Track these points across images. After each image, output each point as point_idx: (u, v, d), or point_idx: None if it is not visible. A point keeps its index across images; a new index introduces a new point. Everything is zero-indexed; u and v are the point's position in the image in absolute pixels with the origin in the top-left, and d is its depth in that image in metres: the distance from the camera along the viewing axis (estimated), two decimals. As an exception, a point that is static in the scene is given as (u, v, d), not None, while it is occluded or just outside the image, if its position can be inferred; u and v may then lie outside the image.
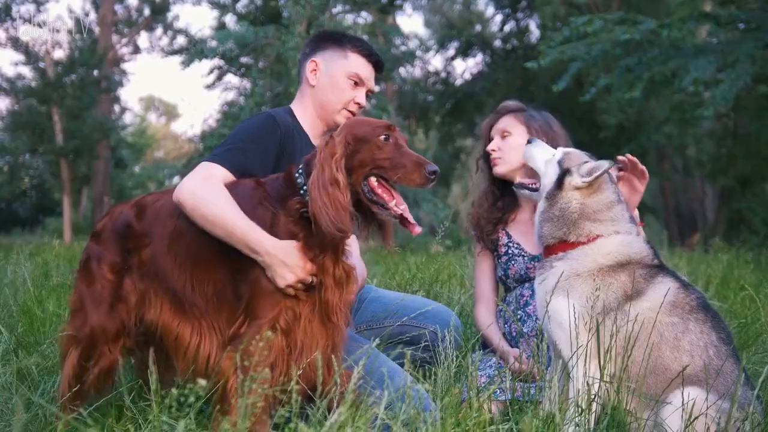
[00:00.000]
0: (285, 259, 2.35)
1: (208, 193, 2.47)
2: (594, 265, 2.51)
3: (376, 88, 3.18)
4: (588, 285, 2.47)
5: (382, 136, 2.43)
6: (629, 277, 2.47)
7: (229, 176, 2.60)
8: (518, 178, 3.00)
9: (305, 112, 3.13)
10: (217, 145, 2.84)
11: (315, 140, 3.09)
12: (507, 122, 3.44)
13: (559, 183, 2.65)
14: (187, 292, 2.49)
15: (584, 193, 2.61)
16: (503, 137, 3.41)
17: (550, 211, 2.64)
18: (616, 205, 2.63)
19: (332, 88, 3.07)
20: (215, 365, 2.41)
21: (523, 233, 3.43)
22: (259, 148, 2.78)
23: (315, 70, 3.11)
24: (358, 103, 3.10)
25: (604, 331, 2.40)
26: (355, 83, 3.08)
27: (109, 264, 2.58)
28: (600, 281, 2.47)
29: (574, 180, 2.62)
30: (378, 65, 3.17)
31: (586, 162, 2.66)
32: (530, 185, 2.89)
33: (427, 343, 3.25)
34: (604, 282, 2.47)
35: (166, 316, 2.52)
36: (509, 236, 3.44)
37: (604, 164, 2.59)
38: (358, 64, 3.09)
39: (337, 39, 3.13)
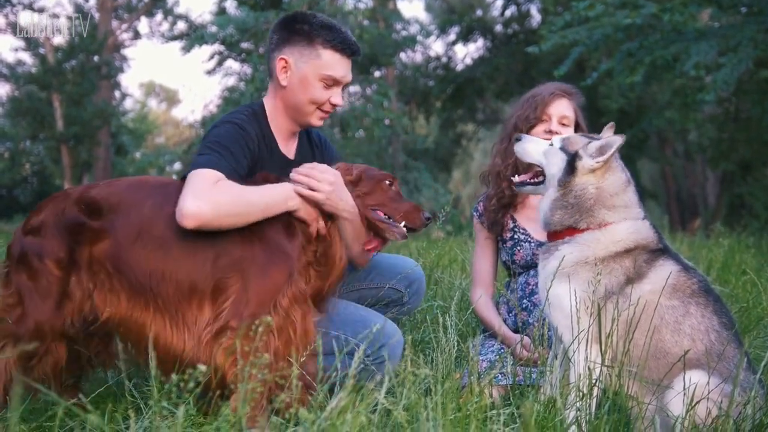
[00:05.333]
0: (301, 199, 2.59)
1: (224, 198, 2.45)
2: (605, 253, 2.48)
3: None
4: (593, 271, 2.45)
5: (387, 181, 2.83)
6: (633, 262, 2.46)
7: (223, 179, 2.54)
8: (518, 177, 2.86)
9: (275, 112, 2.97)
10: (202, 150, 2.68)
11: (283, 140, 3.00)
12: (567, 109, 3.36)
13: (570, 168, 2.58)
14: (154, 283, 2.46)
15: (598, 175, 2.56)
16: (563, 124, 3.33)
17: (564, 199, 2.58)
18: (629, 186, 2.59)
19: (304, 90, 2.88)
20: (187, 356, 2.43)
21: (530, 219, 3.40)
22: (241, 153, 2.71)
23: (285, 68, 2.89)
24: (333, 104, 2.93)
25: (607, 316, 2.39)
26: (329, 84, 2.90)
27: (54, 260, 2.51)
28: (603, 267, 2.46)
29: (587, 162, 2.55)
30: (355, 54, 2.94)
31: (590, 142, 2.60)
32: (531, 180, 2.79)
33: (389, 300, 3.20)
34: (608, 267, 2.46)
35: (124, 311, 2.49)
36: (514, 221, 3.41)
37: (617, 140, 2.53)
38: (332, 63, 2.87)
39: (306, 33, 2.86)
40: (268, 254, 2.48)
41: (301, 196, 2.60)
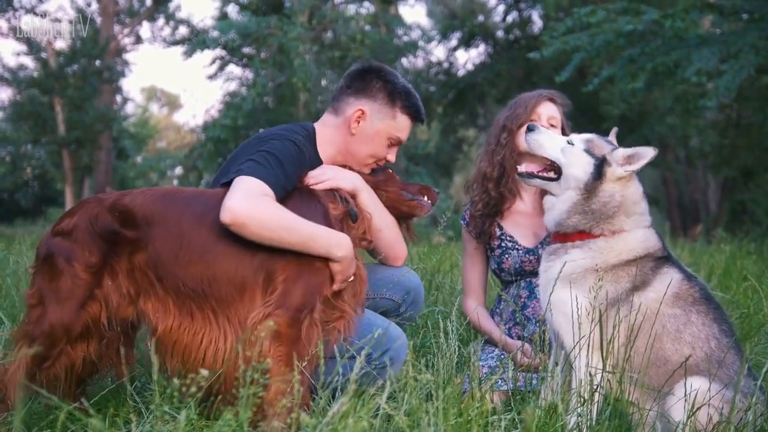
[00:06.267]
0: (352, 254, 2.58)
1: (272, 210, 2.45)
2: (616, 260, 2.47)
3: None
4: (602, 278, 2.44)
5: (390, 170, 3.07)
6: (639, 269, 2.45)
7: (272, 195, 2.54)
8: (524, 166, 2.77)
9: (329, 145, 2.98)
10: (253, 156, 2.67)
11: None
12: (554, 111, 3.35)
13: (598, 174, 2.53)
14: (206, 286, 2.46)
15: (622, 183, 2.53)
16: (552, 125, 3.30)
17: (586, 204, 2.53)
18: (644, 195, 2.61)
19: (371, 144, 2.95)
20: (228, 358, 2.43)
21: (517, 225, 3.35)
22: (294, 174, 2.70)
23: (360, 118, 2.94)
24: (387, 161, 3.04)
25: (609, 323, 2.39)
26: (393, 144, 3.01)
27: (83, 263, 2.48)
28: (612, 274, 2.45)
29: (617, 171, 2.52)
30: (422, 123, 3.10)
31: (616, 148, 2.57)
32: (540, 174, 2.70)
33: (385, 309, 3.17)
34: (616, 275, 2.45)
35: (169, 319, 2.49)
36: (501, 228, 3.36)
37: (649, 152, 2.50)
38: (403, 127, 3.00)
39: (389, 93, 2.96)
40: None
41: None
